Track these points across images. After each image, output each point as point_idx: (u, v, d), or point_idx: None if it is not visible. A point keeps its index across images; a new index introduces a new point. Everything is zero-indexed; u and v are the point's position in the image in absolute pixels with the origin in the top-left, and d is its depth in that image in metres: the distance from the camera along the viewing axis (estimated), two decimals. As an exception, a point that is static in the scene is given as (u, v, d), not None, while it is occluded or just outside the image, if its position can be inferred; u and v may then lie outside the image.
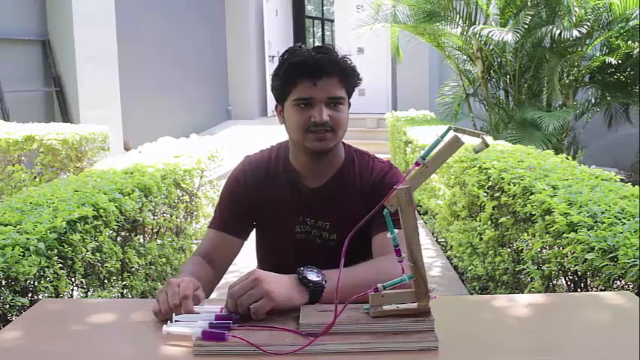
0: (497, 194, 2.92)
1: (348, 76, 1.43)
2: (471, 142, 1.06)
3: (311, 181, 1.51)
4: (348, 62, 1.44)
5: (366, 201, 1.42)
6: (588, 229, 1.96)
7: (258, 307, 1.07)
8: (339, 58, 1.42)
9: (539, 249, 2.37)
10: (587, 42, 5.75)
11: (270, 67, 9.84)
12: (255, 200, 1.52)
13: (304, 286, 1.13)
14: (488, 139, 0.96)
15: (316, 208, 1.50)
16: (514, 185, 2.67)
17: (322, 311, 1.07)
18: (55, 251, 1.98)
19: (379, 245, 1.40)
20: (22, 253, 1.79)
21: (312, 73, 1.39)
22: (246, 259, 1.69)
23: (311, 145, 1.42)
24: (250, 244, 1.62)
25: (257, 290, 1.08)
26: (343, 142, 1.54)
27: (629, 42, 5.67)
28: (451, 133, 0.98)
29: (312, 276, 1.14)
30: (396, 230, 1.04)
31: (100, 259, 2.35)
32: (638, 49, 5.59)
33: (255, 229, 1.60)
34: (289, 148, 1.54)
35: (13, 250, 1.77)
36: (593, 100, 6.24)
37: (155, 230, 3.14)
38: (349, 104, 1.48)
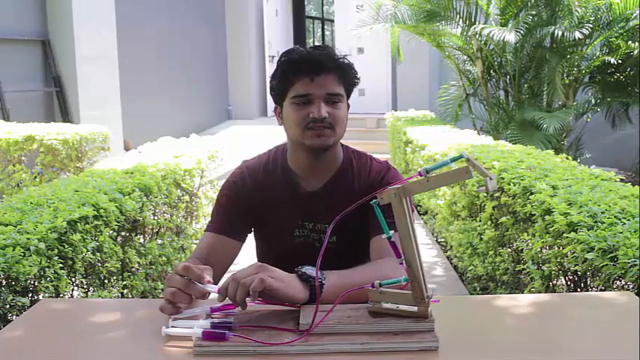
0: (497, 194, 2.92)
1: (346, 73, 1.44)
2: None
3: (309, 184, 1.50)
4: (346, 61, 1.44)
5: (365, 202, 1.42)
6: (588, 229, 1.96)
7: (260, 281, 1.06)
8: (336, 55, 1.43)
9: (539, 249, 2.37)
10: (587, 42, 5.75)
11: (270, 67, 9.85)
12: (254, 204, 1.51)
13: (304, 281, 1.13)
14: (492, 182, 0.95)
15: (315, 211, 1.49)
16: (514, 185, 2.67)
17: (322, 311, 1.07)
18: (56, 251, 1.98)
19: (377, 248, 1.40)
20: (22, 253, 1.79)
21: (310, 70, 1.39)
22: (247, 263, 1.69)
23: (310, 142, 1.41)
24: (251, 249, 1.62)
25: (262, 274, 1.08)
26: (341, 143, 1.53)
27: (629, 42, 5.67)
28: (463, 162, 0.97)
29: (312, 272, 1.14)
30: (391, 232, 1.04)
31: (100, 259, 2.35)
32: (638, 49, 5.58)
33: (254, 233, 1.59)
34: (287, 150, 1.53)
35: (13, 250, 1.77)
36: (593, 101, 6.24)
37: (155, 230, 3.14)
38: (348, 106, 1.48)
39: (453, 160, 0.98)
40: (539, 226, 2.32)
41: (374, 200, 1.03)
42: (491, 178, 0.94)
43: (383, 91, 9.51)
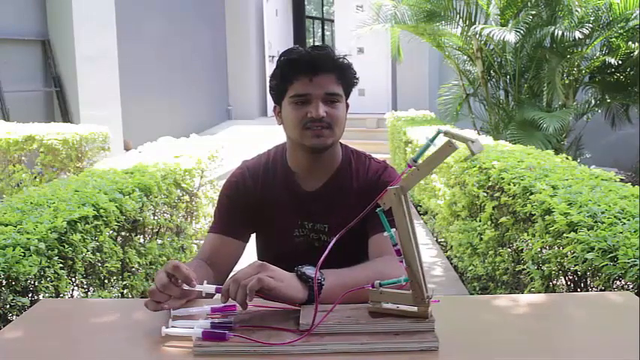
0: (497, 194, 2.92)
1: (345, 73, 1.44)
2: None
3: (308, 184, 1.51)
4: (345, 61, 1.44)
5: (363, 201, 1.41)
6: (588, 229, 1.96)
7: (257, 281, 1.06)
8: (335, 55, 1.43)
9: (539, 249, 2.37)
10: (587, 42, 5.75)
11: (270, 67, 9.84)
12: (254, 204, 1.51)
13: (304, 282, 1.13)
14: (476, 145, 0.95)
15: (314, 211, 1.49)
16: (514, 185, 2.67)
17: (323, 311, 1.07)
18: (56, 251, 1.98)
19: (376, 246, 1.40)
20: (22, 253, 1.79)
21: (309, 70, 1.39)
22: (247, 263, 1.69)
23: (309, 143, 1.42)
24: (252, 249, 1.61)
25: (261, 274, 1.08)
26: (340, 143, 1.53)
27: (629, 42, 5.67)
28: (443, 137, 0.98)
29: (311, 273, 1.14)
30: (393, 230, 1.04)
31: (100, 259, 2.35)
32: (638, 49, 5.58)
33: (255, 233, 1.59)
34: (286, 149, 1.53)
35: (13, 250, 1.77)
36: (593, 101, 6.24)
37: (155, 230, 3.14)
38: (347, 106, 1.48)
39: (433, 139, 0.99)
40: (539, 226, 2.32)
41: (378, 209, 1.03)
42: (473, 141, 0.94)
43: (383, 91, 9.50)
